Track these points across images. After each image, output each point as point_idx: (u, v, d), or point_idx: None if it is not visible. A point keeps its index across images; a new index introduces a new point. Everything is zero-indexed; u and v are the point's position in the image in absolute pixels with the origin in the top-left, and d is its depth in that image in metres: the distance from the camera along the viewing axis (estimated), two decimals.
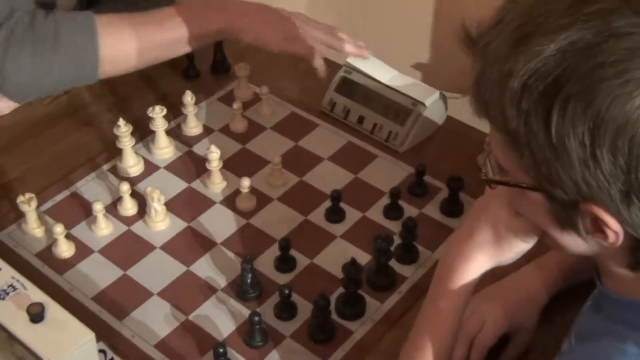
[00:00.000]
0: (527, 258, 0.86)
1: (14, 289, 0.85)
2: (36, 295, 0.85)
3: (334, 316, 0.97)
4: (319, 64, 1.16)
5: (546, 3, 0.64)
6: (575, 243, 0.69)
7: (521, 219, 0.76)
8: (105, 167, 1.16)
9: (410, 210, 1.10)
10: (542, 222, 0.70)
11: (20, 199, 1.04)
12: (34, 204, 1.04)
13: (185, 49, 1.12)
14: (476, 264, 0.80)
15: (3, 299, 0.84)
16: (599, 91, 0.59)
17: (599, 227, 0.65)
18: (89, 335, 0.83)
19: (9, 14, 1.01)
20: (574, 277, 0.96)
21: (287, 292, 0.95)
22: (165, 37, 1.09)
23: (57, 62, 1.02)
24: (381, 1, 1.62)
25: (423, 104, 1.18)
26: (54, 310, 0.84)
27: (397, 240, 1.04)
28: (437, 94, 1.19)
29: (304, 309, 0.97)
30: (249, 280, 0.98)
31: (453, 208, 1.09)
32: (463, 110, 1.50)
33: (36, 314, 0.82)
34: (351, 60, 1.24)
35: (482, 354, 0.91)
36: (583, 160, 0.60)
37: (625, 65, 0.59)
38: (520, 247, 0.79)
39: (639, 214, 0.62)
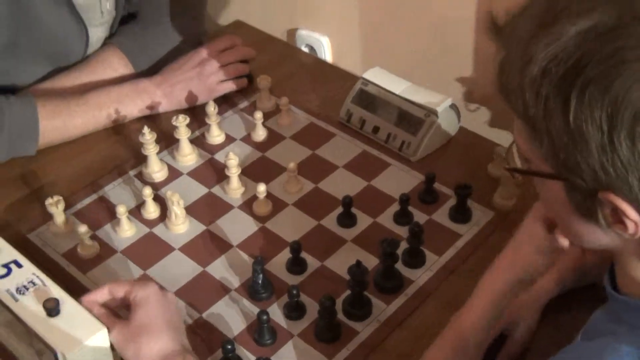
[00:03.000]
0: None
1: (34, 284, 0.85)
2: (54, 290, 0.84)
3: (342, 317, 0.95)
4: (241, 85, 1.28)
5: None
6: (596, 235, 0.65)
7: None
8: (132, 172, 1.16)
9: (419, 217, 1.07)
10: (564, 214, 0.66)
11: (49, 201, 1.04)
12: (61, 206, 1.04)
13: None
14: (498, 278, 0.80)
15: (23, 294, 0.84)
16: (618, 75, 0.55)
17: (618, 218, 0.61)
18: (101, 330, 0.81)
19: None
20: (584, 275, 0.91)
21: (295, 292, 0.93)
22: (94, 124, 1.19)
23: (1, 150, 1.12)
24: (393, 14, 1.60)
25: (435, 114, 1.15)
26: (70, 305, 0.83)
27: (405, 245, 1.01)
28: (448, 101, 1.16)
29: (313, 309, 0.95)
30: (260, 281, 0.96)
31: (461, 215, 1.06)
32: (475, 120, 1.48)
33: (52, 309, 0.81)
34: (368, 74, 1.22)
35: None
36: (601, 146, 0.57)
37: None
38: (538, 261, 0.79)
39: None
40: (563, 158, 0.60)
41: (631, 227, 0.61)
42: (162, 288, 0.88)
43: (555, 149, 0.60)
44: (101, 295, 0.86)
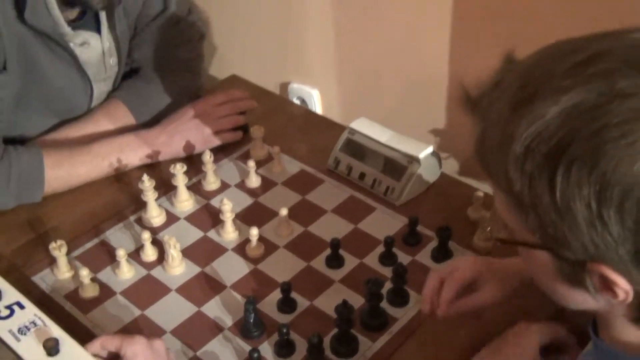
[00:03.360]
0: None
1: (35, 325, 0.84)
2: (54, 330, 0.83)
3: (330, 354, 0.94)
4: (236, 137, 1.28)
5: (545, 64, 0.58)
6: (584, 300, 0.63)
7: None
8: (132, 218, 1.16)
9: (403, 258, 1.06)
10: (550, 280, 0.64)
11: (52, 245, 1.03)
12: (64, 249, 1.04)
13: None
14: None
15: (24, 334, 0.83)
16: (604, 153, 0.53)
17: (607, 285, 0.59)
18: None
19: None
20: None
21: (285, 330, 0.92)
22: (97, 173, 1.20)
23: (8, 198, 1.12)
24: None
25: (417, 161, 1.15)
26: (69, 345, 0.82)
27: (390, 285, 1.01)
28: (429, 149, 1.17)
29: (303, 347, 0.94)
30: (251, 320, 0.95)
31: (442, 255, 1.06)
32: (455, 167, 1.49)
33: (51, 348, 0.80)
34: (354, 124, 1.23)
35: (451, 290, 0.89)
36: (590, 221, 0.54)
37: (631, 126, 0.53)
38: None
39: None
40: (551, 232, 0.57)
41: (621, 294, 0.58)
42: (150, 337, 0.86)
43: (541, 222, 0.58)
44: (93, 348, 0.85)
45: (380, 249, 1.07)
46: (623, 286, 0.57)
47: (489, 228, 0.70)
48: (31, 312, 0.85)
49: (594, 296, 0.61)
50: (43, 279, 1.05)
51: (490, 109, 0.60)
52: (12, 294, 0.88)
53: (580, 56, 0.57)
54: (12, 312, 0.85)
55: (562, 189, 0.54)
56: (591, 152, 0.53)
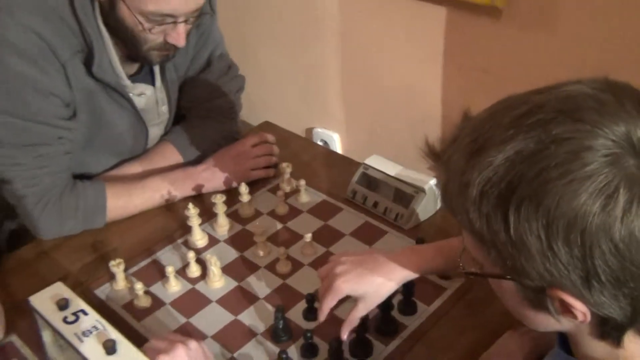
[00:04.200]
0: None
1: (96, 329, 0.85)
2: (112, 334, 0.84)
3: (348, 356, 0.93)
4: (269, 174, 1.29)
5: (493, 118, 0.59)
6: (549, 322, 0.62)
7: None
8: (179, 240, 1.17)
9: None
10: (518, 306, 0.63)
11: (112, 263, 1.05)
12: (122, 267, 1.05)
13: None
14: None
15: (87, 336, 0.84)
16: (547, 192, 0.53)
17: (567, 308, 0.58)
18: None
19: (46, 189, 1.11)
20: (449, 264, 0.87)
21: (309, 335, 0.92)
22: (151, 203, 1.21)
23: (76, 224, 1.15)
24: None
25: (423, 191, 1.16)
26: (125, 346, 0.82)
27: (400, 297, 1.00)
28: (433, 180, 1.17)
29: (324, 349, 0.94)
30: (280, 326, 0.96)
31: None
32: None
33: (109, 348, 0.81)
34: (368, 161, 1.25)
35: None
36: (542, 253, 0.54)
37: (568, 166, 0.53)
38: None
39: (600, 296, 0.55)
40: (510, 264, 0.57)
41: (580, 316, 0.58)
42: (186, 338, 0.84)
43: (501, 256, 0.58)
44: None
45: None
46: (580, 308, 0.57)
47: (460, 265, 0.69)
48: (93, 318, 0.86)
49: (557, 319, 0.60)
50: (104, 292, 1.07)
51: (450, 161, 0.61)
52: (78, 303, 0.89)
53: (521, 109, 0.57)
54: (77, 318, 0.87)
55: (515, 226, 0.55)
56: (536, 192, 0.54)
